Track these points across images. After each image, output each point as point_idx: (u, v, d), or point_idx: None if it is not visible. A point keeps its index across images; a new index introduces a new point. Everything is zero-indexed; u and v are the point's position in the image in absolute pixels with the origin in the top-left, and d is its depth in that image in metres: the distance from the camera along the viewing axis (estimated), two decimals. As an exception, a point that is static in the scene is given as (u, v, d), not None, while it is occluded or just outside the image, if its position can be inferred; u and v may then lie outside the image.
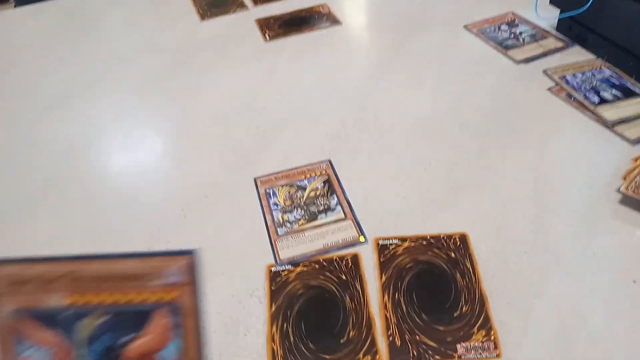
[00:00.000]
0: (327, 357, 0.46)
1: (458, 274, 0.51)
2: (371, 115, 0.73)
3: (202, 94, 0.81)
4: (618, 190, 0.57)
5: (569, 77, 0.75)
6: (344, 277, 0.52)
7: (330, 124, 0.72)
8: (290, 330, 0.48)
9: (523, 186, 0.59)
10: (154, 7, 1.10)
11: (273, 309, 0.50)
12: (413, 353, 0.46)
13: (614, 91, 0.71)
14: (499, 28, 0.89)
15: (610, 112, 0.68)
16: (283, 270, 0.53)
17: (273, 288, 0.52)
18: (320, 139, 0.69)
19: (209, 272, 0.54)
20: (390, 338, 0.47)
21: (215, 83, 0.83)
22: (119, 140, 0.74)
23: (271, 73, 0.84)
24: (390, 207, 0.59)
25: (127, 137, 0.74)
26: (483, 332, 0.46)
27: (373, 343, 0.47)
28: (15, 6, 1.32)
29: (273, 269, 0.54)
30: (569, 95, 0.72)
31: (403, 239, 0.55)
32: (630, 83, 0.72)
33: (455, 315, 0.48)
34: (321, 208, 0.60)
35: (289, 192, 0.62)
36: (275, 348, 0.47)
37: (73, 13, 1.11)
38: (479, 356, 0.45)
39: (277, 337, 0.48)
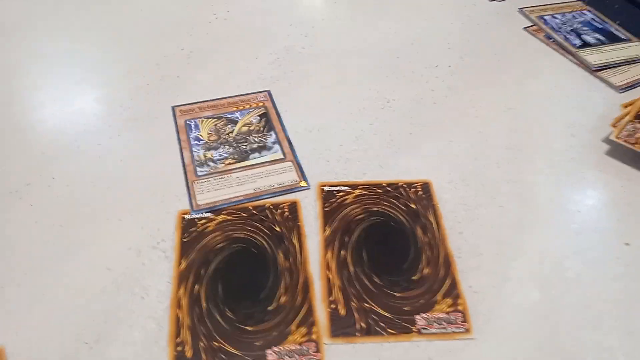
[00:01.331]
0: (249, 328, 0.35)
1: (419, 229, 0.41)
2: (321, 42, 0.61)
3: (121, 3, 0.66)
4: (604, 140, 0.49)
5: (547, 18, 0.66)
6: (277, 228, 0.41)
7: (273, 50, 0.59)
8: (203, 293, 0.37)
9: (497, 130, 0.50)
10: None
11: (182, 266, 0.38)
12: (360, 325, 0.35)
13: (597, 35, 0.63)
14: (470, -36, 0.78)
15: (593, 57, 0.59)
16: (200, 219, 0.42)
17: (185, 240, 0.40)
18: (259, 67, 0.57)
19: (101, 215, 0.42)
20: (333, 306, 0.36)
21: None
22: (20, 50, 0.58)
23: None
24: (340, 149, 0.48)
25: (30, 47, 0.59)
26: (449, 301, 0.37)
27: (310, 311, 0.36)
28: None
29: (187, 216, 0.42)
30: (548, 37, 0.62)
31: (354, 186, 0.44)
32: (614, 28, 0.64)
33: (414, 278, 0.38)
34: (255, 146, 0.48)
35: (216, 126, 0.50)
36: (180, 315, 0.35)
37: None
38: (443, 331, 0.35)
39: (184, 302, 0.36)
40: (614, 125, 0.49)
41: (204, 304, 0.36)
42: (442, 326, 0.35)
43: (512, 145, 0.49)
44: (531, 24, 0.65)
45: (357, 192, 0.44)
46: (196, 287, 0.37)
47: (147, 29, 0.62)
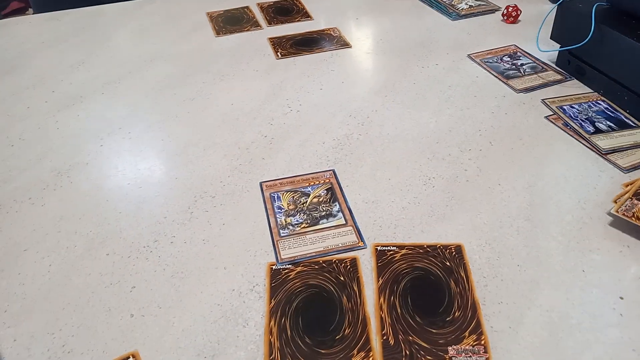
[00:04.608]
0: (322, 351, 0.47)
1: (452, 282, 0.53)
2: (375, 130, 0.75)
3: (214, 101, 0.84)
4: (609, 213, 0.59)
5: (566, 107, 0.78)
6: (342, 278, 0.54)
7: (336, 136, 0.74)
8: (287, 324, 0.50)
9: (518, 204, 0.62)
10: (170, 20, 1.14)
11: (272, 304, 0.52)
12: (405, 352, 0.47)
13: (609, 123, 0.74)
14: (502, 59, 0.92)
15: (604, 142, 0.71)
16: (284, 269, 0.55)
17: (273, 284, 0.53)
18: (325, 150, 0.72)
19: (211, 265, 0.56)
20: (385, 337, 0.48)
21: (226, 92, 0.86)
22: (130, 140, 0.76)
23: (281, 86, 0.87)
24: (389, 217, 0.61)
25: (139, 137, 0.77)
26: (474, 337, 0.48)
27: (367, 341, 0.48)
28: (34, 13, 1.37)
29: (274, 267, 0.55)
30: (566, 124, 0.75)
31: (401, 246, 0.57)
32: (624, 116, 0.76)
33: (447, 319, 0.50)
34: (323, 213, 0.62)
35: (293, 197, 0.64)
36: (272, 340, 0.48)
37: (89, 22, 1.15)
38: (468, 359, 0.46)
39: (274, 331, 0.49)
40: (615, 201, 0.59)
41: (289, 332, 0.49)
42: (467, 355, 0.46)
43: (530, 217, 0.60)
44: (552, 113, 0.77)
45: (404, 251, 0.57)
46: (282, 320, 0.50)
47: (238, 120, 0.79)
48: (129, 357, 0.47)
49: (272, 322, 0.50)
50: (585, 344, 0.47)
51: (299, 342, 0.48)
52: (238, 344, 0.48)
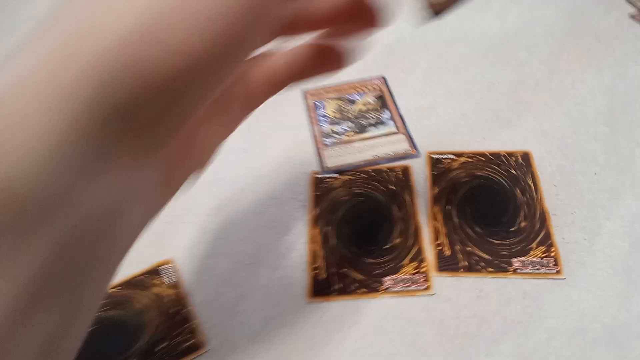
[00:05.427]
0: (370, 260, 0.43)
1: (518, 190, 0.47)
2: (430, 33, 0.68)
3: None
4: None
5: (655, 4, 0.67)
6: (392, 187, 0.49)
7: (388, 40, 0.67)
8: (332, 233, 0.46)
9: (596, 108, 0.54)
10: None
11: (316, 212, 0.48)
12: (463, 263, 0.42)
13: None
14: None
15: (702, 39, 0.60)
16: (327, 178, 0.51)
17: (317, 193, 0.49)
18: (374, 56, 0.65)
19: (251, 175, 0.52)
20: (440, 247, 0.44)
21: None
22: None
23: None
24: (447, 125, 0.55)
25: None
26: (543, 249, 0.43)
27: (420, 251, 0.44)
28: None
29: (318, 175, 0.51)
30: (654, 22, 0.64)
31: (459, 154, 0.51)
32: None
33: (512, 229, 0.44)
34: (372, 121, 0.56)
35: (339, 105, 0.59)
36: (315, 249, 0.45)
37: None
38: (536, 271, 0.41)
39: (318, 239, 0.45)
40: None
41: (333, 240, 0.45)
42: (535, 267, 0.41)
43: (610, 122, 0.52)
44: (638, 10, 0.67)
45: (462, 159, 0.51)
46: (326, 228, 0.46)
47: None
48: (164, 264, 0.45)
49: (315, 231, 0.46)
50: (676, 258, 0.41)
51: (345, 250, 0.44)
52: (279, 252, 0.45)
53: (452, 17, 0.70)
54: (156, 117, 0.18)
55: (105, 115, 0.17)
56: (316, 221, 0.47)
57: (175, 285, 0.43)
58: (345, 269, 0.43)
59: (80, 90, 0.16)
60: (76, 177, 0.17)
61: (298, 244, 0.45)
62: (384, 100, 0.59)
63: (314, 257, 0.44)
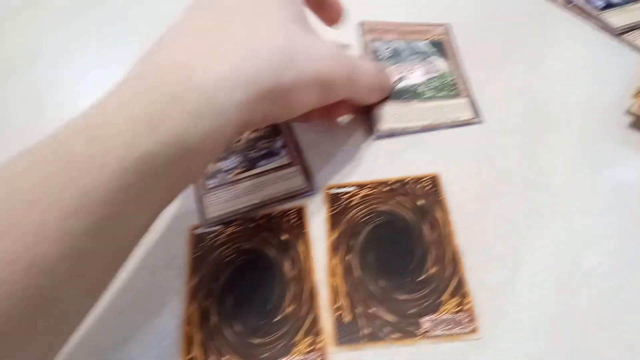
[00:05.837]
0: (256, 341, 0.36)
1: (426, 226, 0.40)
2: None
3: None
4: (628, 111, 0.46)
5: (567, -20, 0.61)
6: (285, 237, 0.42)
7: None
8: (213, 310, 0.38)
9: (509, 112, 0.48)
10: None
11: (194, 281, 0.40)
12: (364, 331, 0.35)
13: (623, -8, 0.58)
14: None
15: (617, 17, 0.55)
16: (209, 234, 0.43)
17: (196, 254, 0.41)
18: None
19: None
20: (338, 313, 0.37)
21: None
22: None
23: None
24: (345, 153, 0.47)
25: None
26: (456, 300, 0.36)
27: (315, 321, 0.36)
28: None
29: (197, 231, 0.43)
30: (568, 1, 0.58)
31: (362, 185, 0.44)
32: (642, -19, 0.59)
33: (419, 279, 0.38)
34: (263, 152, 0.48)
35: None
36: (192, 332, 0.37)
37: None
38: (448, 332, 0.35)
39: (195, 319, 0.38)
40: (635, 96, 0.45)
41: (214, 319, 0.37)
42: (448, 327, 0.35)
43: (525, 128, 0.46)
44: (550, -11, 0.61)
45: (364, 191, 0.44)
46: (206, 302, 0.38)
47: None
48: None
49: (192, 308, 0.38)
50: (607, 293, 0.35)
51: (226, 331, 0.37)
52: (149, 342, 0.37)
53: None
54: (281, 104, 0.34)
55: (259, 97, 0.32)
56: (195, 294, 0.39)
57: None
58: (228, 357, 0.35)
59: (250, 85, 0.31)
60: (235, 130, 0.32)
61: (171, 327, 0.37)
62: (274, 129, 0.51)
63: (188, 344, 0.36)
